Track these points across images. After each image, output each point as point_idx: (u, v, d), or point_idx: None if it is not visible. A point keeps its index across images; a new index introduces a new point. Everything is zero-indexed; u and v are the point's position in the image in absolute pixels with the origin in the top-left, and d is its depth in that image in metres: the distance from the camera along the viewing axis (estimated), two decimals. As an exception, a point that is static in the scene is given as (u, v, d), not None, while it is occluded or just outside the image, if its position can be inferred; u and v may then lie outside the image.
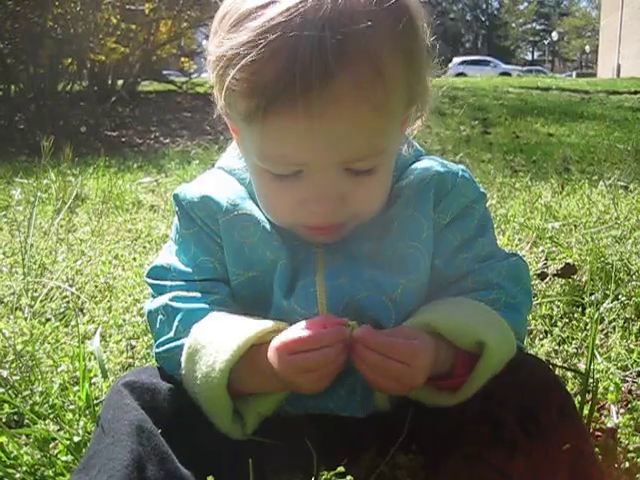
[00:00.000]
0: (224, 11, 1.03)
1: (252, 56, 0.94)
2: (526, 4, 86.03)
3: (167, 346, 1.14)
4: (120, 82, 10.02)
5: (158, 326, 1.17)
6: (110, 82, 9.77)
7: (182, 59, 12.16)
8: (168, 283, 1.19)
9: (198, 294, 1.16)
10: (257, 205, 1.17)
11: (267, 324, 1.06)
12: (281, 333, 1.02)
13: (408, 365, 0.98)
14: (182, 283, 1.18)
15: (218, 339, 1.06)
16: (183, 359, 1.09)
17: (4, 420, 1.39)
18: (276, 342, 1.01)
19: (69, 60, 8.70)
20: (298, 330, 1.01)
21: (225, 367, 1.03)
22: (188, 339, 1.09)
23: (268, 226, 1.15)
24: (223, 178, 1.24)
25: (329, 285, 1.11)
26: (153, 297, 1.22)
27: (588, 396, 1.43)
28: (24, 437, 1.29)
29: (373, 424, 1.13)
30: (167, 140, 7.85)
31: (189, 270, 1.19)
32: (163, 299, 1.17)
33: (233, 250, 1.17)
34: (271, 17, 0.93)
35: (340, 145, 0.99)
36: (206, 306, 1.14)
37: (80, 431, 1.25)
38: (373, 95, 0.96)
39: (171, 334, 1.14)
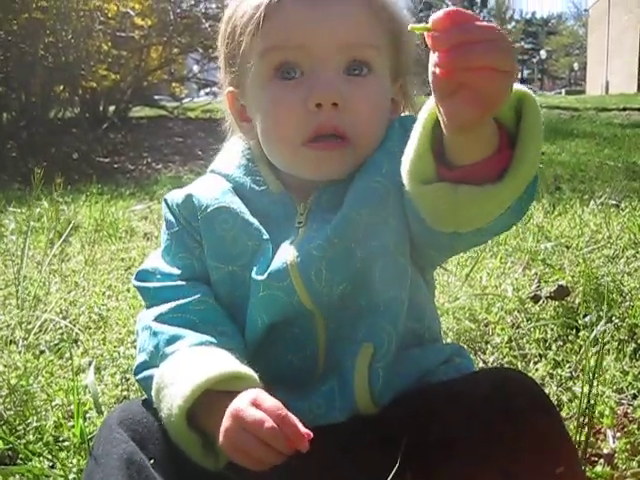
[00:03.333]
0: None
1: None
2: (514, 23, 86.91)
3: (142, 375, 1.15)
4: (112, 108, 10.05)
5: (139, 344, 1.19)
6: (102, 108, 9.80)
7: (173, 84, 12.22)
8: (152, 285, 1.21)
9: (179, 302, 1.16)
10: (241, 199, 1.20)
11: (226, 368, 1.04)
12: (248, 395, 0.98)
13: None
14: (164, 284, 1.19)
15: (178, 381, 1.04)
16: (153, 394, 1.08)
17: (-2, 457, 1.39)
18: (236, 406, 0.97)
19: (61, 87, 8.74)
20: (261, 409, 0.95)
21: (180, 412, 1.02)
22: (157, 374, 1.09)
23: (248, 216, 1.17)
24: (211, 179, 1.27)
25: (299, 254, 1.11)
26: (145, 305, 1.24)
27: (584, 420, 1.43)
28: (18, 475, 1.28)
29: (359, 429, 1.10)
30: (159, 166, 7.86)
31: (171, 271, 1.21)
32: (148, 318, 1.17)
33: (213, 244, 1.18)
34: None
35: (336, 22, 1.12)
36: (181, 332, 1.12)
37: (74, 469, 1.25)
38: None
39: (146, 358, 1.14)
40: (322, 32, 1.12)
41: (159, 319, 1.16)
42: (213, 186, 1.23)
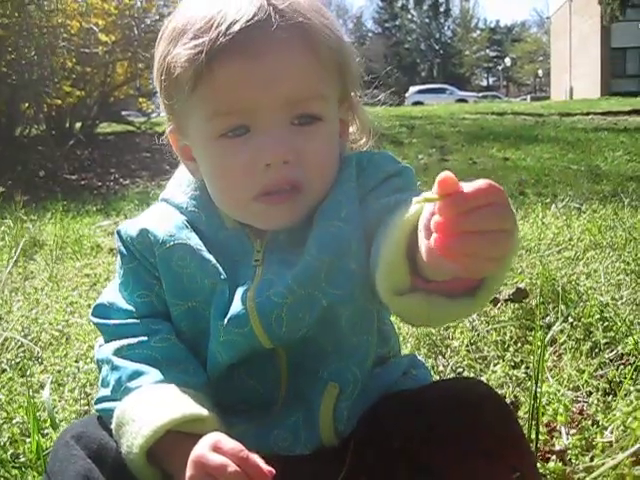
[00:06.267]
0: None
1: (195, 28, 1.05)
2: (479, 32, 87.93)
3: (102, 405, 1.13)
4: (78, 125, 10.00)
5: (101, 378, 1.17)
6: (68, 125, 9.74)
7: (140, 99, 12.18)
8: (111, 322, 1.19)
9: (140, 338, 1.15)
10: (196, 233, 1.17)
11: (187, 410, 1.04)
12: (208, 440, 0.97)
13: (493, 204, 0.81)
14: (124, 322, 1.18)
15: (139, 419, 1.04)
16: (113, 428, 1.08)
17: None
18: (198, 452, 0.96)
19: (26, 105, 8.69)
20: (223, 454, 0.95)
21: (141, 451, 1.02)
22: (118, 408, 1.08)
23: (205, 253, 1.15)
24: (164, 210, 1.24)
25: (258, 300, 1.10)
26: (104, 340, 1.21)
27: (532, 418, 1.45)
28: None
29: (320, 460, 1.12)
30: (127, 181, 7.83)
31: (129, 308, 1.19)
32: (108, 351, 1.16)
33: (171, 281, 1.16)
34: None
35: (281, 78, 1.06)
36: (144, 368, 1.12)
37: (29, 485, 1.25)
38: (307, 41, 1.08)
39: (108, 392, 1.13)
40: (268, 92, 1.06)
41: (120, 354, 1.14)
42: (167, 219, 1.20)
